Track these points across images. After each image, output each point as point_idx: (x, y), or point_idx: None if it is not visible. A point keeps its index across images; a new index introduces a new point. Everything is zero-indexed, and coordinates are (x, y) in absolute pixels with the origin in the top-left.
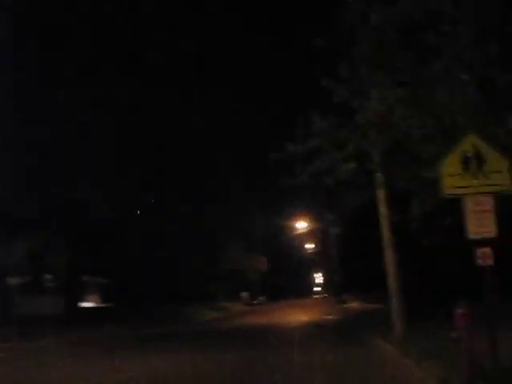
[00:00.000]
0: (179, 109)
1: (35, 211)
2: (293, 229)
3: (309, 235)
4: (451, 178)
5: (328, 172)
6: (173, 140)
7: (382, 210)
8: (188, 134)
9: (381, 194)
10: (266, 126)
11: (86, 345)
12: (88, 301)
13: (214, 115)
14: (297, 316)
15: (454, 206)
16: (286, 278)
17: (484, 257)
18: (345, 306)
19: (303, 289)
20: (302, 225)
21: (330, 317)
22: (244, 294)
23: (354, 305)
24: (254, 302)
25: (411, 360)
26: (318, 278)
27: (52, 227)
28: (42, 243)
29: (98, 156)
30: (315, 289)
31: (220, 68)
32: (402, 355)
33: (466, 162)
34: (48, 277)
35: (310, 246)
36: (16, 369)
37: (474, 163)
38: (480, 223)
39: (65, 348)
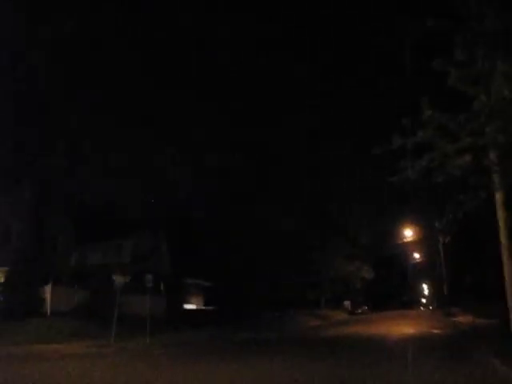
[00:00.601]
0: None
1: (139, 213)
2: (399, 236)
3: (416, 243)
4: None
5: (438, 168)
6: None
7: (501, 214)
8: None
9: (499, 196)
10: (371, 119)
11: (179, 347)
12: (191, 303)
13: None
14: (401, 328)
15: None
16: (390, 288)
17: None
18: (453, 319)
19: (409, 300)
20: (409, 232)
21: (437, 331)
22: (347, 303)
23: (464, 318)
24: (357, 311)
25: None
26: (425, 288)
27: (156, 229)
28: (147, 245)
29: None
30: (421, 300)
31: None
32: None
33: None
34: (151, 278)
35: (416, 255)
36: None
37: None
38: None
39: (157, 349)
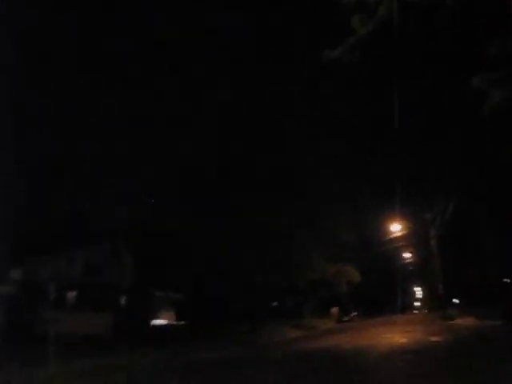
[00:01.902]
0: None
1: (98, 222)
2: (386, 233)
3: (406, 240)
4: None
5: None
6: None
7: None
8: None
9: None
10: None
11: (116, 371)
12: (161, 318)
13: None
14: (394, 336)
15: None
16: (380, 292)
17: None
18: (452, 322)
19: (401, 303)
20: (396, 227)
21: (436, 338)
22: (334, 309)
23: (465, 321)
24: (345, 318)
25: None
26: (418, 291)
27: (116, 239)
28: (105, 255)
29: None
30: (415, 303)
31: None
32: None
33: None
34: (54, 287)
35: (407, 253)
36: None
37: None
38: None
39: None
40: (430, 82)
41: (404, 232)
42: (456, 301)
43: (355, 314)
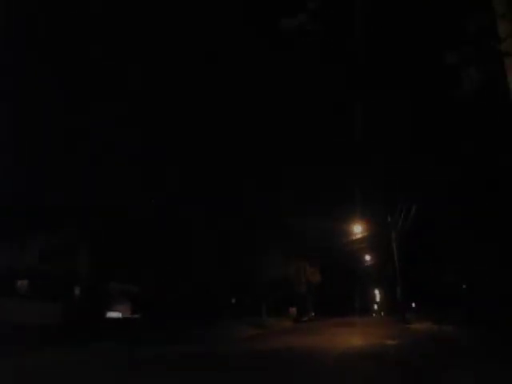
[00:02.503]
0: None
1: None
2: (349, 233)
3: (367, 243)
4: None
5: None
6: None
7: None
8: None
9: None
10: None
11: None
12: (116, 310)
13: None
14: (350, 338)
15: None
16: (340, 293)
17: None
18: (409, 326)
19: (360, 306)
20: (358, 229)
21: (392, 341)
22: (292, 309)
23: (422, 325)
24: (303, 318)
25: None
26: (377, 294)
27: (73, 226)
28: (60, 243)
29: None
30: (374, 306)
31: None
32: None
33: None
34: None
35: (368, 256)
36: None
37: None
38: None
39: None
40: (400, 63)
41: (365, 234)
42: (414, 305)
43: (313, 314)
